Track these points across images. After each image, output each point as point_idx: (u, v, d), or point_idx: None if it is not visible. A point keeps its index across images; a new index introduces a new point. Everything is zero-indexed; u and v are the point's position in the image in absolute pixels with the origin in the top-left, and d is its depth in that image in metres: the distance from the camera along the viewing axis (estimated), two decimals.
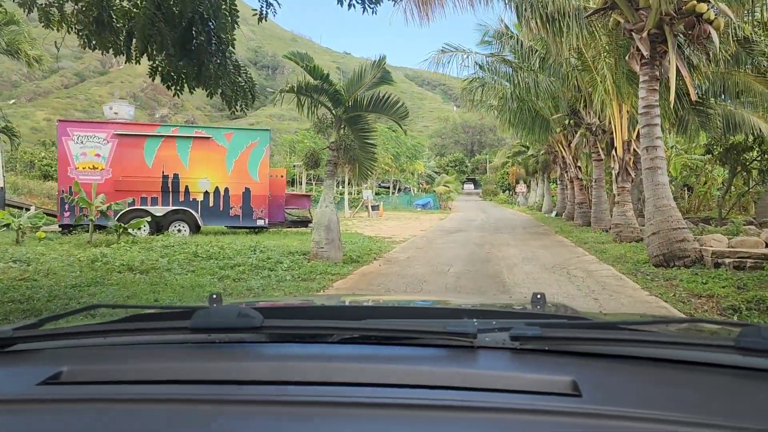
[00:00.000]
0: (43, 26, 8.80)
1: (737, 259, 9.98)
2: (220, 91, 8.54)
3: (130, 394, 0.94)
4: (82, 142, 15.50)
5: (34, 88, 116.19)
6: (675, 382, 1.02)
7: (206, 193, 16.43)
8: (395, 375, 0.98)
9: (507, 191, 64.74)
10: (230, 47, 8.23)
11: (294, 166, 42.93)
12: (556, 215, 31.44)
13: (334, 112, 11.70)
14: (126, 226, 12.89)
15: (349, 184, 37.55)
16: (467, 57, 19.37)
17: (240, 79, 8.64)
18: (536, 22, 13.64)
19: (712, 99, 16.44)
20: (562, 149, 25.65)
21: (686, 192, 28.04)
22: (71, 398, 0.93)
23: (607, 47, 14.37)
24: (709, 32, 10.92)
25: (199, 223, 16.29)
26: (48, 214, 17.89)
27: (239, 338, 1.21)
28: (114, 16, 7.73)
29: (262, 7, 7.78)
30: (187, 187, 16.25)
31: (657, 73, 11.61)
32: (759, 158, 18.82)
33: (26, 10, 7.58)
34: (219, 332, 1.17)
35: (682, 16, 11.11)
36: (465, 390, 0.92)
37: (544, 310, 1.70)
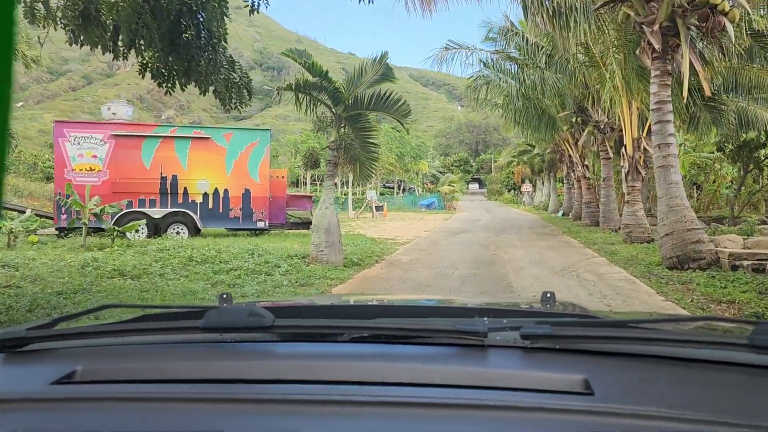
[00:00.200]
0: (28, 23, 8.45)
1: (756, 261, 9.53)
2: (212, 88, 8.18)
3: (143, 392, 0.94)
4: (78, 144, 15.17)
5: (41, 90, 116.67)
6: (687, 381, 1.01)
7: (205, 195, 16.06)
8: (406, 374, 0.98)
9: (512, 191, 64.25)
10: (222, 42, 7.85)
11: (298, 167, 42.62)
12: (563, 215, 30.95)
13: (333, 110, 11.31)
14: (120, 229, 12.54)
15: (353, 184, 37.20)
16: (471, 54, 19.00)
17: (234, 75, 8.25)
18: (542, 17, 13.22)
19: (724, 95, 15.96)
20: (569, 148, 25.18)
21: (695, 191, 27.54)
22: (85, 397, 0.93)
23: (616, 42, 13.93)
24: (724, 24, 10.48)
25: (198, 225, 15.92)
26: (47, 217, 17.58)
27: (250, 338, 1.23)
28: (101, 10, 7.36)
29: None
30: (185, 188, 15.89)
31: (669, 67, 11.17)
32: None
33: None
34: (230, 332, 1.17)
35: (695, 8, 10.67)
36: (476, 388, 0.91)
37: (554, 309, 1.69)
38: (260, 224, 16.47)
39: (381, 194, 47.94)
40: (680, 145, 23.32)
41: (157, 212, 15.62)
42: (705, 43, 11.91)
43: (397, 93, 11.19)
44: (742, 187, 22.67)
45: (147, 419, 0.87)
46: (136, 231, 15.29)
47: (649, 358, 1.09)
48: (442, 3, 12.49)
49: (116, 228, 12.42)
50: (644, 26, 11.19)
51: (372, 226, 24.15)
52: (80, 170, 15.13)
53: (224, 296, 1.60)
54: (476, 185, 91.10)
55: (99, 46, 7.57)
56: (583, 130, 20.13)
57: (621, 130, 17.20)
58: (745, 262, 9.59)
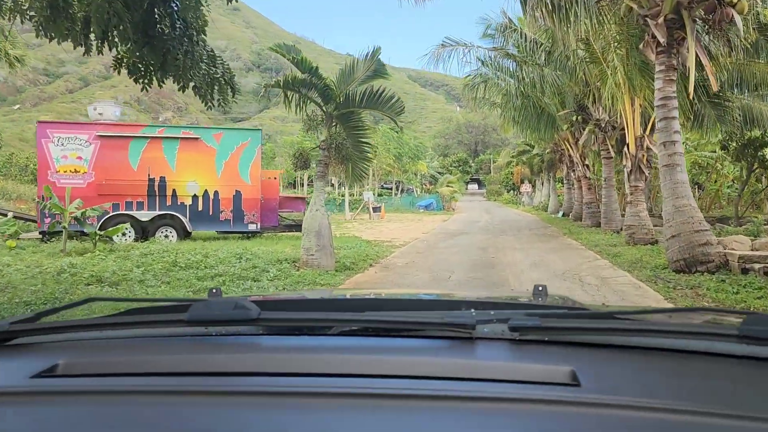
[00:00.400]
0: None
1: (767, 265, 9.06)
2: (192, 84, 7.70)
3: (126, 386, 0.93)
4: (62, 144, 14.67)
5: (38, 93, 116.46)
6: (676, 372, 1.01)
7: (195, 197, 15.55)
8: (394, 366, 0.97)
9: (511, 191, 63.88)
10: (201, 34, 7.37)
11: (295, 168, 42.07)
12: (563, 216, 30.50)
13: (324, 108, 10.84)
14: (103, 233, 12.03)
15: (349, 185, 36.74)
16: (468, 51, 18.53)
17: (215, 70, 7.76)
18: (542, 11, 12.77)
19: (728, 92, 15.49)
20: (569, 147, 24.70)
21: (697, 190, 27.11)
22: (66, 390, 0.92)
23: (617, 37, 13.46)
24: (732, 16, 10.02)
25: (188, 228, 15.42)
26: (31, 220, 17.09)
27: (236, 331, 1.22)
28: (70, 1, 6.87)
29: None
30: (174, 190, 15.39)
31: (674, 62, 10.71)
32: None
33: None
34: (216, 325, 1.16)
35: (701, 0, 10.21)
36: (464, 380, 0.91)
37: (546, 302, 1.68)
38: (252, 227, 15.97)
39: (379, 195, 47.47)
40: (682, 143, 22.91)
41: (144, 215, 15.12)
42: (711, 37, 11.44)
43: (391, 90, 10.71)
44: (746, 187, 22.26)
45: (129, 412, 0.85)
46: (123, 234, 14.83)
47: (637, 350, 1.08)
48: None
49: (98, 232, 11.90)
50: (648, 19, 10.72)
51: (369, 228, 23.68)
52: (64, 172, 14.64)
53: (213, 291, 1.56)
54: (475, 186, 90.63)
55: (69, 40, 7.09)
56: (584, 129, 19.64)
57: (623, 129, 16.74)
58: (756, 265, 9.12)
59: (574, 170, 25.51)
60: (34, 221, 16.21)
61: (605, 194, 19.01)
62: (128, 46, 6.93)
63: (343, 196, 35.22)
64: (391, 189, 54.76)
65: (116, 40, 6.92)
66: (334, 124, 10.99)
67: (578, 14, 12.20)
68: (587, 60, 15.91)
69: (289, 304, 1.78)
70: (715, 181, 26.51)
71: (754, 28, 12.19)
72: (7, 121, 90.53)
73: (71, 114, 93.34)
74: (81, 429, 0.83)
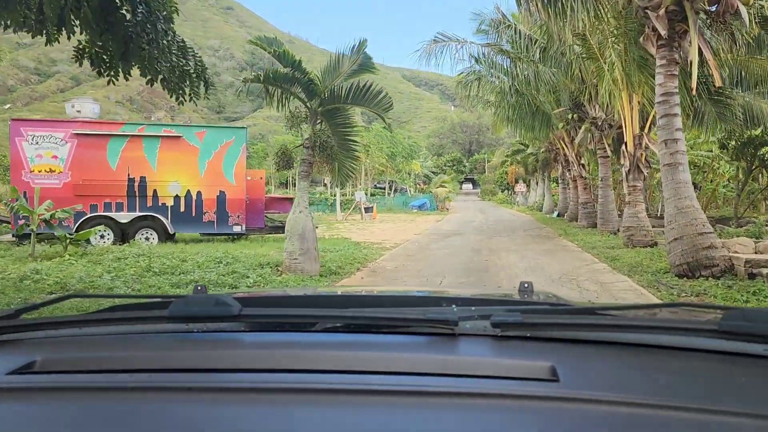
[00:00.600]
0: None
1: None
2: (161, 77, 7.12)
3: (104, 382, 0.92)
4: (37, 143, 14.03)
5: (29, 92, 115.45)
6: (655, 367, 1.01)
7: (177, 198, 14.93)
8: (376, 362, 0.97)
9: (506, 191, 63.47)
10: (169, 22, 6.79)
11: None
12: (558, 216, 30.02)
13: (308, 104, 10.27)
14: (73, 236, 11.41)
15: (341, 185, 36.17)
16: (461, 47, 17.95)
17: (185, 62, 7.18)
18: (536, 5, 12.26)
19: (728, 89, 14.99)
20: (564, 146, 24.20)
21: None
22: (42, 387, 0.91)
23: (615, 31, 12.94)
24: (737, 7, 9.52)
25: (169, 230, 14.80)
26: (7, 222, 16.43)
27: (218, 327, 1.21)
28: None
29: None
30: (155, 191, 14.77)
31: (676, 56, 10.20)
32: None
33: None
34: (197, 321, 1.15)
35: None
36: (446, 376, 0.92)
37: (531, 299, 1.68)
38: (237, 228, 15.37)
39: (372, 195, 46.90)
40: None
41: (123, 216, 14.49)
42: (713, 30, 10.94)
43: (378, 85, 10.16)
44: (744, 187, 21.85)
45: (107, 409, 0.84)
46: (101, 237, 14.23)
47: (618, 345, 1.08)
48: None
49: (68, 235, 11.27)
50: (648, 11, 10.21)
51: (360, 229, 23.13)
52: (39, 172, 13.99)
53: (199, 288, 1.48)
54: (470, 185, 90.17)
55: (25, 28, 6.51)
56: (579, 128, 19.14)
57: (620, 127, 16.23)
58: (764, 270, 8.61)
59: (569, 170, 25.02)
60: (9, 223, 15.58)
61: (602, 194, 18.49)
62: (88, 33, 6.35)
63: (334, 195, 34.63)
64: (384, 189, 54.15)
65: (74, 25, 6.35)
66: (319, 121, 10.43)
67: (574, 7, 11.68)
68: (584, 56, 15.38)
69: (271, 301, 1.78)
70: (711, 181, 26.09)
71: (756, 23, 11.69)
72: None
73: (62, 113, 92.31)
74: (57, 426, 0.81)
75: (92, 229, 12.62)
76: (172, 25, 7.03)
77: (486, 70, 20.27)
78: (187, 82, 7.29)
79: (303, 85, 9.99)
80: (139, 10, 6.04)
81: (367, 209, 30.90)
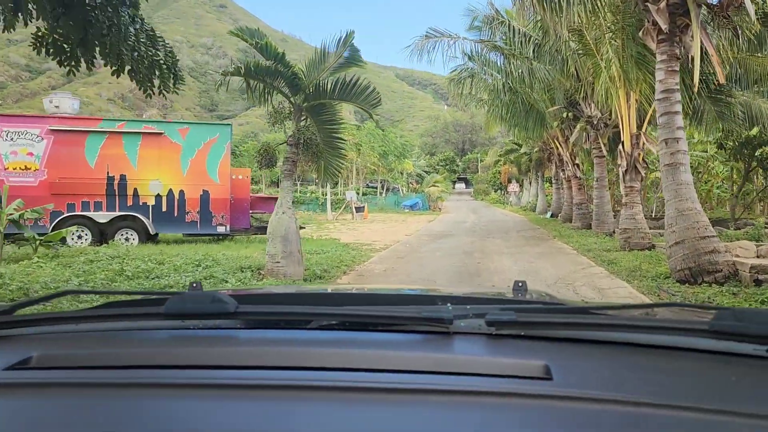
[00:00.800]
0: None
1: None
2: (128, 68, 6.59)
3: (100, 378, 0.92)
4: (12, 139, 13.44)
5: (20, 89, 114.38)
6: (647, 366, 1.02)
7: (158, 197, 14.38)
8: (372, 360, 0.97)
9: (499, 190, 63.14)
10: (135, 8, 6.26)
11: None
12: (552, 216, 29.60)
13: (292, 99, 9.76)
14: (43, 237, 10.83)
15: (331, 184, 35.65)
16: (454, 43, 17.48)
17: (154, 51, 6.66)
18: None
19: (729, 87, 14.58)
20: (559, 146, 23.76)
21: None
22: (39, 383, 0.91)
23: (613, 26, 12.50)
24: (741, 1, 9.10)
25: (150, 230, 14.25)
26: None
27: (214, 324, 1.22)
28: None
29: None
30: (135, 189, 14.21)
31: (677, 51, 9.76)
32: None
33: None
34: (193, 318, 1.16)
35: None
36: (440, 374, 0.92)
37: (525, 298, 1.68)
38: (220, 229, 14.83)
39: (363, 194, 46.38)
40: None
41: (102, 216, 13.93)
42: (714, 25, 10.52)
43: (365, 79, 9.66)
44: (742, 188, 21.51)
45: (103, 405, 0.84)
46: (79, 237, 13.67)
47: (611, 345, 1.09)
48: None
49: (36, 236, 10.70)
50: (649, 4, 9.76)
51: (350, 229, 22.64)
52: (13, 169, 13.40)
53: (194, 285, 1.50)
54: (462, 185, 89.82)
55: None
56: (574, 127, 18.70)
57: (616, 126, 15.81)
58: None
59: (563, 170, 24.59)
60: None
61: (597, 195, 18.04)
62: (44, 18, 5.83)
63: (325, 195, 34.11)
64: (376, 188, 53.65)
65: (30, 9, 5.82)
66: (303, 117, 9.92)
67: (570, 1, 11.24)
68: (580, 52, 14.94)
69: (267, 298, 1.77)
70: (706, 182, 25.76)
71: (757, 19, 11.29)
72: None
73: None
74: (53, 421, 0.81)
75: (64, 229, 12.03)
76: (139, 12, 6.52)
77: (479, 68, 19.82)
78: (157, 74, 6.78)
79: (286, 79, 9.47)
80: None
81: (358, 209, 30.40)
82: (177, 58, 7.15)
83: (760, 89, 15.45)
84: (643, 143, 13.58)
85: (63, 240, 12.76)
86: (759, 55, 13.91)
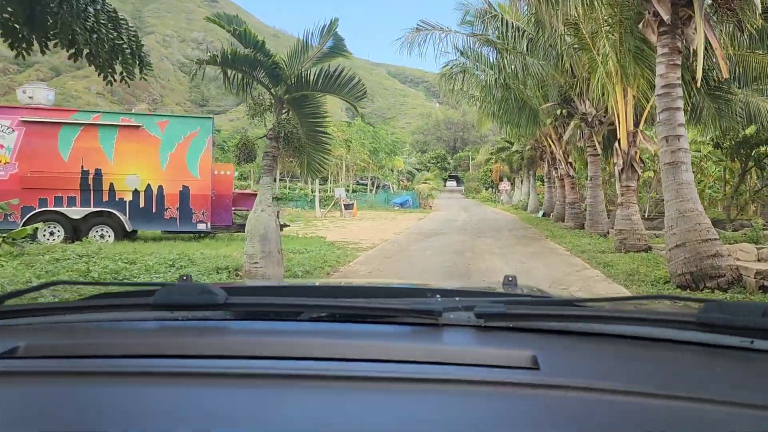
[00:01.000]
0: None
1: None
2: (86, 51, 6.01)
3: (88, 367, 0.92)
4: None
5: (8, 82, 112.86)
6: (635, 357, 1.03)
7: (136, 192, 13.77)
8: (361, 350, 0.97)
9: (490, 189, 62.76)
10: None
11: None
12: (543, 215, 29.19)
13: (273, 91, 9.20)
14: (6, 235, 10.18)
15: (324, 181, 35.07)
16: (446, 36, 16.95)
17: (116, 35, 6.08)
18: None
19: (728, 83, 14.15)
20: (552, 143, 23.30)
21: None
22: (26, 371, 0.91)
23: (610, 20, 12.01)
24: None
25: (127, 227, 13.64)
26: None
27: (203, 316, 1.21)
28: None
29: None
30: (111, 184, 13.60)
31: (679, 44, 9.29)
32: None
33: None
34: (182, 309, 1.16)
35: None
36: (429, 364, 0.92)
37: (515, 292, 1.71)
38: (201, 226, 14.24)
39: (353, 192, 45.81)
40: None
41: (76, 212, 13.30)
42: (718, 18, 10.05)
43: (350, 70, 9.12)
44: (727, 187, 21.17)
45: (91, 393, 0.84)
46: (51, 234, 13.04)
47: (599, 336, 1.11)
48: None
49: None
50: None
51: (338, 227, 22.10)
52: None
53: (184, 278, 1.49)
54: (454, 183, 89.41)
55: None
56: (568, 124, 18.23)
57: (611, 124, 15.37)
58: None
59: (556, 168, 24.15)
60: None
61: (591, 194, 17.59)
62: None
63: (314, 192, 33.52)
64: (366, 185, 53.08)
65: None
66: (285, 109, 9.37)
67: None
68: (575, 47, 14.47)
69: (256, 291, 1.76)
70: (699, 182, 25.43)
71: (759, 14, 10.84)
72: None
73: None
74: (41, 409, 0.81)
75: (29, 226, 11.34)
76: None
77: (471, 63, 19.33)
78: (119, 59, 6.21)
79: (267, 69, 8.92)
80: None
81: (347, 206, 29.84)
82: (142, 42, 6.57)
83: (759, 87, 15.07)
84: (640, 141, 13.13)
85: (34, 237, 12.15)
86: (759, 52, 13.52)
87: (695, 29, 8.91)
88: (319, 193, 32.69)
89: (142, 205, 13.83)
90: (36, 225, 10.47)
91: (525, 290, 1.87)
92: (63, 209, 13.24)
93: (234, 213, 15.50)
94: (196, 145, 14.00)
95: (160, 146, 13.80)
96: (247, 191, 20.56)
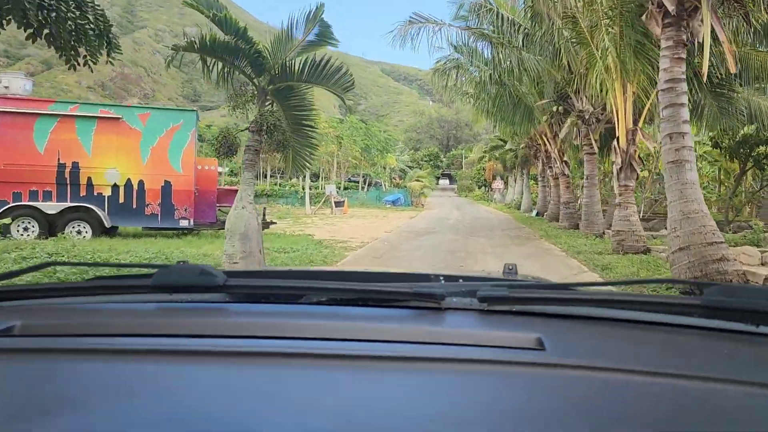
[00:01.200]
0: None
1: None
2: (46, 32, 5.47)
3: (84, 344, 0.91)
4: None
5: None
6: (639, 340, 1.03)
7: (115, 187, 13.20)
8: (363, 332, 0.96)
9: (483, 187, 62.41)
10: None
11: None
12: (537, 215, 28.79)
13: (255, 81, 8.68)
14: None
15: (315, 178, 34.52)
16: (439, 30, 16.45)
17: (78, 14, 5.55)
18: None
19: (729, 81, 13.74)
20: (546, 142, 22.87)
21: None
22: (21, 348, 0.89)
23: (610, 12, 11.55)
24: None
25: (105, 223, 13.07)
26: None
27: (202, 298, 1.21)
28: None
29: None
30: (89, 178, 13.02)
31: (684, 37, 8.84)
32: None
33: None
34: (181, 291, 1.14)
35: None
36: (432, 345, 0.91)
37: (516, 279, 1.69)
38: (183, 223, 13.70)
39: (345, 189, 45.28)
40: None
41: (51, 207, 12.71)
42: (724, 10, 9.62)
43: (337, 60, 8.61)
44: (723, 187, 20.84)
45: (88, 369, 0.83)
46: (25, 229, 12.48)
47: (603, 320, 1.10)
48: None
49: None
50: None
51: (327, 225, 21.57)
52: None
53: (181, 263, 1.35)
54: (446, 181, 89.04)
55: None
56: (564, 122, 17.78)
57: (609, 121, 14.94)
58: None
59: (550, 167, 23.73)
60: None
61: (587, 194, 17.15)
62: None
63: (304, 188, 32.99)
64: (358, 182, 52.56)
65: None
66: (269, 101, 8.86)
67: None
68: (573, 41, 14.01)
69: (257, 274, 1.74)
70: None
71: (765, 8, 10.42)
72: None
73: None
74: (36, 385, 0.80)
75: (0, 221, 10.85)
76: None
77: (465, 58, 18.87)
78: (83, 41, 5.67)
79: (249, 58, 8.39)
80: None
81: (338, 203, 29.33)
82: (111, 23, 6.03)
83: (760, 86, 14.69)
84: (639, 139, 12.69)
85: (4, 232, 11.61)
86: (761, 50, 13.13)
87: (701, 21, 8.47)
88: (310, 190, 32.15)
89: (121, 200, 13.27)
90: (5, 220, 9.91)
91: (528, 278, 1.83)
92: (38, 204, 12.65)
93: (218, 209, 14.97)
94: (178, 139, 13.45)
95: (141, 139, 13.24)
96: (233, 187, 20.03)
